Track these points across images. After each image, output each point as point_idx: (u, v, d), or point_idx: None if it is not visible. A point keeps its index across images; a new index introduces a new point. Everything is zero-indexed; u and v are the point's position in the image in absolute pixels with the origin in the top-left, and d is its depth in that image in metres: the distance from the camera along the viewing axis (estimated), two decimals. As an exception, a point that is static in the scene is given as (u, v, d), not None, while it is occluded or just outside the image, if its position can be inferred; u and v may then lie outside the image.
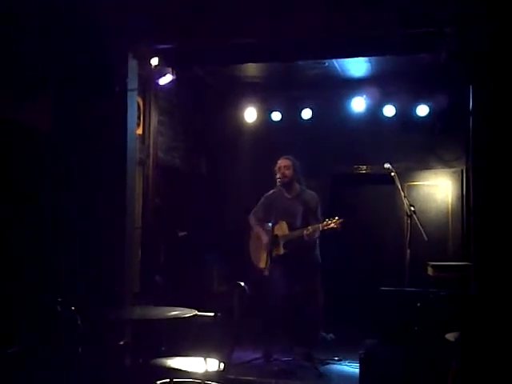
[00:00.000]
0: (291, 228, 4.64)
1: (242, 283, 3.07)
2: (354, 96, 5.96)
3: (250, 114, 6.33)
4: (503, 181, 3.73)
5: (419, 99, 5.90)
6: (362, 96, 5.93)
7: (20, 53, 3.83)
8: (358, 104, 5.95)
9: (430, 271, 4.75)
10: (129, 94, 4.33)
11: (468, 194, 5.56)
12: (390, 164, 4.39)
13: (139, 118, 5.03)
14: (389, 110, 5.98)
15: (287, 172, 4.72)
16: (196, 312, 3.26)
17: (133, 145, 4.46)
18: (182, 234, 5.50)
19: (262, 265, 4.66)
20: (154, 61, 4.50)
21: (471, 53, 3.83)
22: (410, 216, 4.15)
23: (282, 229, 4.64)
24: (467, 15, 3.78)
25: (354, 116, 6.02)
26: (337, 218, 4.42)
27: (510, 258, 3.66)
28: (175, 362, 3.15)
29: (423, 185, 6.06)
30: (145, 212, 5.16)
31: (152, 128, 5.33)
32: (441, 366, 3.62)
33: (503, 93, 3.76)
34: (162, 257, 5.31)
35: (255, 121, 6.36)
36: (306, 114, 6.18)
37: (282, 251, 4.58)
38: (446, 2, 3.82)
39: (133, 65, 4.43)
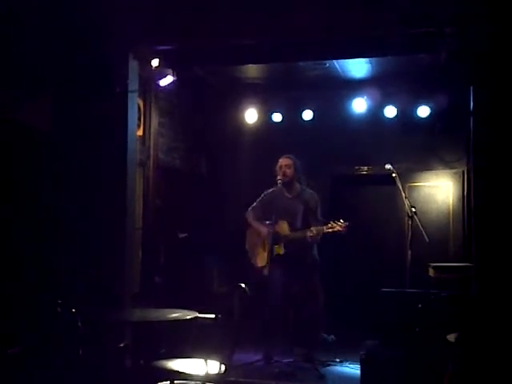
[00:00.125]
0: (292, 228, 4.63)
1: (243, 284, 3.06)
2: (354, 97, 5.95)
3: (251, 115, 6.32)
4: (504, 181, 3.73)
5: (420, 100, 5.89)
6: (362, 97, 5.92)
7: (20, 53, 3.83)
8: (359, 105, 5.94)
9: (431, 272, 4.74)
10: (129, 95, 4.33)
11: (469, 195, 5.55)
12: (391, 165, 4.39)
13: (139, 119, 5.03)
14: (389, 111, 5.97)
15: (288, 171, 4.71)
16: (197, 314, 3.25)
17: (133, 146, 4.46)
18: (182, 235, 5.49)
19: (260, 263, 4.65)
20: (155, 62, 4.50)
21: (471, 53, 3.83)
22: (411, 217, 4.14)
23: (283, 228, 4.62)
24: (467, 15, 3.77)
25: (355, 117, 6.01)
26: (342, 221, 4.40)
27: (510, 258, 3.65)
28: (176, 364, 3.14)
29: (424, 186, 6.05)
30: (145, 213, 5.16)
31: (152, 129, 5.33)
32: (442, 367, 3.61)
33: (504, 93, 3.76)
34: (163, 258, 5.31)
35: (256, 122, 6.35)
36: (307, 114, 6.17)
37: (282, 251, 4.57)
38: (446, 2, 3.81)
39: (133, 66, 4.43)
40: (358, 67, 5.68)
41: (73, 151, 4.22)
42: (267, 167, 4.85)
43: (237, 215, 4.91)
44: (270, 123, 6.35)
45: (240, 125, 6.41)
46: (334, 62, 5.45)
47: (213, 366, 2.99)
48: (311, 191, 4.79)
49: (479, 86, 3.87)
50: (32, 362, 3.26)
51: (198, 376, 3.00)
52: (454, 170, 6.00)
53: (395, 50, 4.56)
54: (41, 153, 4.05)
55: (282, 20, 4.14)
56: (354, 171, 6.38)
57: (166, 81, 4.77)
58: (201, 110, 6.35)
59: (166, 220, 5.43)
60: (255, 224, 4.80)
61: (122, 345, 3.84)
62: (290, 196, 4.74)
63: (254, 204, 4.88)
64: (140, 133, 5.12)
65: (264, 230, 4.65)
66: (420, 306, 3.96)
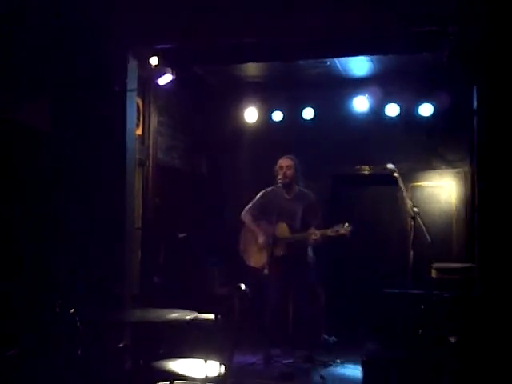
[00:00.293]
0: (291, 229, 4.60)
1: (243, 285, 3.03)
2: (356, 95, 5.92)
3: (251, 114, 6.29)
4: (507, 181, 3.70)
5: (422, 99, 5.86)
6: (364, 95, 5.89)
7: (19, 53, 3.81)
8: (361, 103, 5.91)
9: (433, 273, 4.72)
10: (128, 94, 4.31)
11: (472, 195, 5.52)
12: (393, 164, 4.35)
13: (139, 118, 5.01)
14: (391, 110, 5.94)
15: (289, 172, 4.69)
16: (196, 314, 3.24)
17: (132, 145, 4.45)
18: (181, 235, 5.47)
19: (255, 263, 4.63)
20: (154, 61, 4.48)
21: (474, 52, 3.81)
22: (414, 217, 4.11)
23: (283, 230, 4.59)
24: (470, 14, 3.75)
25: (357, 116, 5.98)
26: (347, 224, 4.37)
27: (514, 259, 3.62)
28: (175, 365, 3.12)
29: (427, 185, 6.02)
30: (144, 212, 5.14)
31: (151, 128, 5.31)
32: (444, 368, 3.58)
33: (507, 92, 3.74)
34: (162, 257, 5.29)
35: (256, 121, 6.33)
36: (308, 113, 6.15)
37: (281, 253, 4.54)
38: (449, 1, 3.78)
39: (132, 65, 4.42)
40: (359, 65, 5.65)
41: (72, 151, 4.20)
42: (267, 166, 4.83)
43: (237, 215, 4.89)
44: (271, 122, 6.33)
45: (240, 124, 6.39)
46: (335, 60, 5.42)
47: (212, 367, 2.97)
48: (308, 192, 4.76)
49: (483, 85, 3.85)
50: (32, 362, 3.24)
51: (197, 377, 2.98)
52: (456, 170, 5.97)
53: (397, 48, 4.54)
54: (40, 153, 4.04)
55: (282, 19, 4.12)
56: (356, 171, 6.35)
57: (166, 80, 4.76)
58: (200, 109, 6.33)
59: (165, 220, 5.42)
60: (252, 227, 4.75)
61: (121, 345, 3.83)
62: (288, 197, 4.71)
63: (251, 204, 4.83)
64: (139, 132, 5.10)
65: (261, 238, 4.60)
66: (422, 307, 3.93)
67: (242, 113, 6.32)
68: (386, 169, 4.37)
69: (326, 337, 5.32)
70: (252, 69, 5.83)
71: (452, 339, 3.39)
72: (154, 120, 5.33)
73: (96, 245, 4.13)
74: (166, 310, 3.37)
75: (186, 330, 3.61)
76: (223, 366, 2.94)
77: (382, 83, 5.84)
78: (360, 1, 3.99)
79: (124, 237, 4.26)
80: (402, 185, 4.25)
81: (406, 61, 5.34)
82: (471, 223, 5.60)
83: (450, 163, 6.04)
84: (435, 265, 4.69)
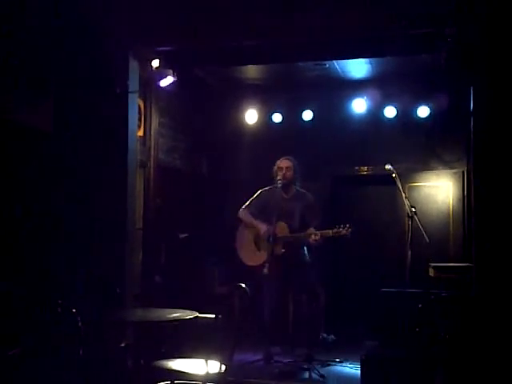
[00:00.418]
0: (291, 229, 4.63)
1: (243, 285, 3.07)
2: (354, 97, 5.96)
3: (251, 116, 6.33)
4: (504, 182, 3.73)
5: (420, 100, 5.90)
6: (362, 97, 5.93)
7: (21, 54, 3.83)
8: (359, 105, 5.95)
9: (431, 272, 4.75)
10: (130, 95, 4.33)
11: (469, 195, 5.55)
12: (391, 165, 4.39)
13: (140, 119, 5.04)
14: (389, 111, 5.98)
15: (288, 173, 4.71)
16: (197, 314, 3.26)
17: (134, 146, 4.47)
18: (182, 235, 5.50)
19: (251, 262, 4.64)
20: (155, 62, 4.51)
21: (472, 53, 3.83)
22: (411, 217, 4.15)
23: (283, 229, 4.62)
24: (467, 16, 3.78)
25: (355, 117, 6.02)
26: (348, 225, 4.40)
27: (510, 259, 3.65)
28: (176, 364, 3.14)
29: (424, 186, 6.05)
30: (146, 213, 5.17)
31: (153, 129, 5.34)
32: (441, 367, 3.61)
33: (504, 94, 3.76)
34: (163, 258, 5.31)
35: (256, 122, 6.36)
36: (307, 115, 6.18)
37: (281, 252, 4.56)
38: (446, 3, 3.82)
39: (134, 66, 4.44)
40: (357, 68, 5.68)
41: (74, 152, 4.22)
42: (267, 167, 4.85)
43: (236, 215, 4.91)
44: (270, 124, 6.36)
45: (240, 125, 6.42)
46: (334, 62, 5.45)
47: (213, 366, 2.99)
48: (305, 192, 4.78)
49: (480, 86, 3.87)
50: (33, 362, 3.26)
51: (198, 376, 3.01)
52: (454, 170, 6.01)
53: (395, 50, 4.57)
54: (42, 153, 4.05)
55: (282, 21, 4.15)
56: (354, 171, 6.38)
57: (167, 81, 4.78)
58: (201, 110, 6.36)
59: (166, 220, 5.44)
60: (253, 222, 4.73)
61: (122, 345, 3.84)
62: (287, 197, 4.73)
63: (248, 202, 4.83)
64: (140, 133, 5.12)
65: (263, 226, 4.63)
66: (420, 306, 3.96)
67: (243, 114, 6.35)
68: (384, 169, 4.41)
69: (325, 335, 5.35)
70: (252, 71, 5.86)
71: (449, 338, 3.41)
72: (155, 121, 5.36)
73: (97, 245, 4.14)
74: (167, 310, 3.39)
75: (187, 329, 3.63)
76: (223, 365, 2.97)
77: (380, 85, 5.87)
78: (358, 2, 4.02)
79: (125, 237, 4.28)
80: (399, 185, 4.29)
81: (404, 63, 5.37)
82: (468, 223, 5.64)
83: (447, 164, 6.07)
84: (433, 264, 4.72)
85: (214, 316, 3.06)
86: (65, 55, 4.16)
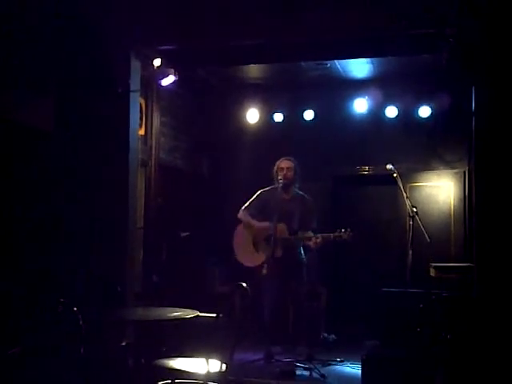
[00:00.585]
0: (290, 230, 4.62)
1: (244, 284, 3.07)
2: (356, 97, 5.96)
3: (253, 115, 6.33)
4: (505, 182, 3.73)
5: (421, 100, 5.90)
6: (364, 97, 5.93)
7: (22, 53, 3.83)
8: (360, 105, 5.95)
9: (432, 272, 4.74)
10: (131, 94, 4.34)
11: (470, 195, 5.55)
12: (392, 165, 4.39)
13: (141, 118, 5.04)
14: (391, 111, 5.98)
15: (289, 174, 4.70)
16: (198, 313, 3.26)
17: (135, 145, 4.47)
18: (184, 234, 5.50)
19: (248, 263, 4.65)
20: (157, 62, 4.51)
21: (473, 54, 3.83)
22: (413, 217, 4.15)
23: (282, 231, 4.61)
24: (468, 16, 3.78)
25: (356, 117, 6.02)
26: (349, 229, 4.40)
27: (511, 259, 3.65)
28: (177, 363, 3.14)
29: (425, 186, 6.05)
30: (147, 212, 5.17)
31: (154, 129, 5.34)
32: (442, 367, 3.61)
33: (505, 93, 3.76)
34: (164, 257, 5.31)
35: (257, 122, 6.36)
36: (308, 115, 6.18)
37: (280, 253, 4.56)
38: (447, 3, 3.82)
39: (135, 66, 4.45)
40: (359, 67, 5.69)
41: (75, 151, 4.23)
42: (268, 167, 4.85)
43: (237, 215, 4.91)
44: (272, 123, 6.36)
45: (241, 125, 6.42)
46: (336, 62, 5.46)
47: (214, 365, 2.99)
48: (305, 194, 4.78)
49: (481, 86, 3.87)
50: (34, 361, 3.27)
51: (199, 375, 3.01)
52: (455, 170, 6.00)
53: (396, 50, 4.57)
54: (43, 153, 4.06)
55: (283, 21, 4.15)
56: (356, 171, 6.38)
57: (168, 80, 4.79)
58: (202, 109, 6.37)
59: (167, 219, 5.44)
60: (252, 222, 4.73)
61: (123, 343, 3.85)
62: (287, 198, 4.72)
63: (248, 203, 4.82)
64: (142, 132, 5.13)
65: (266, 225, 4.61)
66: (421, 305, 3.96)
67: (244, 114, 6.36)
68: (386, 169, 4.41)
69: (326, 335, 5.35)
70: (253, 70, 5.87)
71: (450, 338, 3.41)
72: (156, 120, 5.36)
73: (98, 244, 4.15)
74: (168, 309, 3.39)
75: (188, 328, 3.63)
76: (224, 364, 2.98)
77: (381, 85, 5.87)
78: (358, 2, 4.02)
79: (126, 236, 4.29)
80: (400, 185, 4.29)
81: (405, 63, 5.37)
82: (469, 223, 5.64)
83: (448, 164, 6.07)
84: (434, 264, 4.71)
85: (214, 315, 3.07)
86: (66, 55, 4.16)
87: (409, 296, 4.06)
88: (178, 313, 3.27)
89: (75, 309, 3.20)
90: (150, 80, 5.01)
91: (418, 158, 6.13)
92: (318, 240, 4.46)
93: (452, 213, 5.92)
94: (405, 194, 4.32)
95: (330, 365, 4.71)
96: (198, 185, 6.38)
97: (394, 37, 4.21)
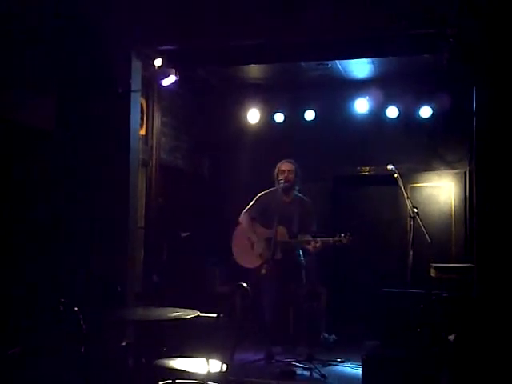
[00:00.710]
0: (290, 233, 4.62)
1: (245, 284, 3.07)
2: (356, 97, 5.95)
3: (253, 115, 6.33)
4: (506, 182, 3.73)
5: (422, 100, 5.90)
6: (364, 97, 5.92)
7: (23, 53, 3.84)
8: (361, 105, 5.95)
9: (432, 273, 4.74)
10: (132, 94, 4.35)
11: (471, 196, 5.55)
12: (393, 165, 4.39)
13: (142, 118, 5.05)
14: (392, 112, 5.98)
15: (290, 177, 4.69)
16: (198, 313, 3.26)
17: (136, 145, 4.48)
18: (184, 234, 5.50)
19: (247, 264, 4.65)
20: (158, 62, 4.51)
21: (473, 54, 3.83)
22: (413, 217, 4.15)
23: (282, 234, 4.59)
24: (469, 16, 3.78)
25: (357, 117, 6.01)
26: (348, 233, 4.40)
27: (512, 259, 3.65)
28: (177, 363, 3.15)
29: (426, 186, 6.05)
30: (147, 212, 5.18)
31: (155, 129, 5.35)
32: (443, 367, 3.61)
33: (506, 94, 3.76)
34: (165, 257, 5.32)
35: (258, 122, 6.36)
36: (309, 115, 6.18)
37: (280, 256, 4.55)
38: (447, 3, 3.81)
39: (136, 66, 4.45)
40: (360, 68, 5.69)
41: (76, 151, 4.23)
42: (269, 167, 4.85)
43: (238, 215, 4.90)
44: (272, 123, 6.36)
45: (242, 125, 6.43)
46: (337, 62, 5.46)
47: (214, 365, 2.99)
48: (305, 197, 4.77)
49: (481, 86, 3.87)
50: (34, 361, 3.27)
51: (199, 375, 3.01)
52: (455, 171, 6.00)
53: (397, 50, 4.57)
54: (43, 152, 4.06)
55: (284, 21, 4.15)
56: (356, 172, 6.38)
57: (169, 81, 4.79)
58: (203, 110, 6.37)
59: (168, 219, 5.45)
60: (250, 232, 4.72)
61: (123, 343, 3.85)
62: (287, 200, 4.71)
63: (249, 207, 4.81)
64: (143, 132, 5.13)
65: (266, 231, 4.61)
66: (422, 306, 3.96)
67: (245, 114, 6.36)
68: (386, 170, 4.41)
69: (327, 335, 5.35)
70: (254, 70, 5.87)
71: (451, 338, 3.41)
72: (157, 120, 5.37)
73: (99, 244, 4.15)
74: (168, 309, 3.39)
75: (188, 328, 3.63)
76: (225, 364, 2.98)
77: (382, 85, 5.87)
78: (358, 2, 4.02)
79: (127, 236, 4.29)
80: (401, 185, 4.29)
81: (406, 63, 5.37)
82: (470, 224, 5.64)
83: (449, 164, 6.07)
84: (434, 264, 4.71)
85: (215, 315, 3.07)
86: (66, 55, 4.17)
87: (409, 296, 4.06)
88: (178, 313, 3.27)
89: (76, 309, 3.20)
90: (151, 80, 5.02)
91: (419, 158, 6.12)
92: (318, 244, 4.45)
93: (453, 213, 5.92)
94: (405, 195, 4.32)
95: (330, 365, 4.72)
96: (198, 185, 6.39)
97: (395, 37, 4.22)
